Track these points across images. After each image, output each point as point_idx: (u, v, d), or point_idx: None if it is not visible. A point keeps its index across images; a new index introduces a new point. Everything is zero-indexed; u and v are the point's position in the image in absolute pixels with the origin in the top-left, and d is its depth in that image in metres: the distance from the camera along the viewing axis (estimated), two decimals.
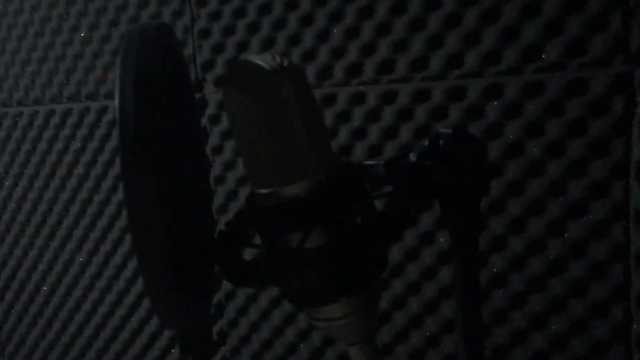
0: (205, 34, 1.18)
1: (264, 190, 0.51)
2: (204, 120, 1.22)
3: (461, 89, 0.96)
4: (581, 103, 0.88)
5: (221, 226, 0.56)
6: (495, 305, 0.97)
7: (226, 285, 1.25)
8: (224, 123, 1.20)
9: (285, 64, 0.48)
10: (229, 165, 1.20)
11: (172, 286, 0.42)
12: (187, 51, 1.21)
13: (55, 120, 1.41)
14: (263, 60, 0.48)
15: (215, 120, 1.21)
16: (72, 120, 1.39)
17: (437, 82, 0.98)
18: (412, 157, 0.54)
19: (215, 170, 1.21)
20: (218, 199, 1.21)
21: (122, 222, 1.37)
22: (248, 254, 0.54)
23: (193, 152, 0.57)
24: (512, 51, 0.92)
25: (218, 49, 1.18)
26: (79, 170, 1.40)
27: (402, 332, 1.06)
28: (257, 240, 0.56)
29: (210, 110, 1.21)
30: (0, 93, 1.50)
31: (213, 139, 1.21)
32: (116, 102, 0.43)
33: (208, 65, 1.19)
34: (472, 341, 0.60)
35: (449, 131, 0.54)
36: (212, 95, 1.20)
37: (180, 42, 0.53)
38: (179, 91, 0.55)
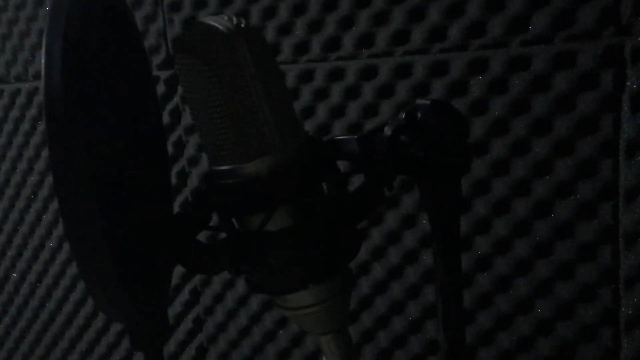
0: (176, 7, 1.13)
1: (222, 168, 0.46)
2: (176, 99, 1.17)
3: (444, 64, 0.91)
4: (569, 77, 0.84)
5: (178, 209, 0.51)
6: (479, 290, 0.94)
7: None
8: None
9: (242, 24, 0.43)
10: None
11: (113, 278, 0.37)
12: (157, 25, 1.15)
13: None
14: (217, 22, 0.43)
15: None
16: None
17: (419, 56, 0.93)
18: (387, 131, 0.50)
19: (189, 150, 1.16)
20: (192, 181, 1.15)
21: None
22: (205, 237, 0.50)
23: (146, 132, 0.52)
24: (497, 23, 0.87)
25: (190, 22, 1.12)
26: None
27: (383, 318, 1.02)
28: (217, 222, 0.51)
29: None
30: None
31: (187, 119, 1.16)
32: (42, 72, 0.38)
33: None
34: (454, 326, 0.56)
35: (427, 102, 0.49)
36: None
37: (128, 6, 0.47)
38: (128, 62, 0.50)
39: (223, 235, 0.48)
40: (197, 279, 1.20)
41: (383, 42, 0.96)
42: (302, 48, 1.03)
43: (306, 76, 1.03)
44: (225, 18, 0.43)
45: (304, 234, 0.46)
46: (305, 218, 0.47)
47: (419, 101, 0.51)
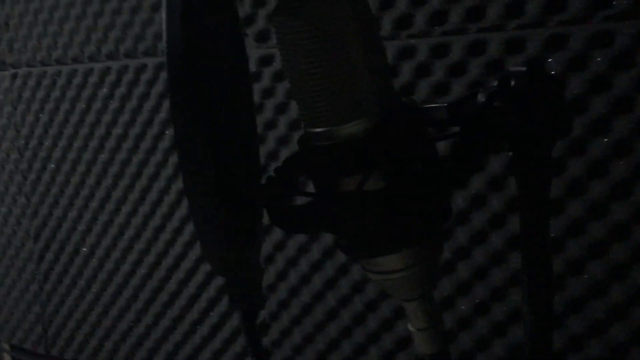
0: None
1: (317, 130, 0.47)
2: None
3: (521, 40, 0.89)
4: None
5: (270, 172, 0.52)
6: (569, 294, 0.90)
7: (264, 250, 1.22)
8: (264, 82, 1.16)
9: None
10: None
11: (223, 230, 0.39)
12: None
13: (93, 78, 1.39)
14: None
15: (256, 77, 1.17)
16: (110, 78, 1.36)
17: (495, 33, 0.91)
18: (481, 97, 0.49)
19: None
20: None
21: (160, 183, 1.34)
22: (299, 201, 0.50)
23: (242, 97, 0.53)
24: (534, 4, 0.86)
25: (259, 1, 1.13)
26: (117, 130, 1.38)
27: (465, 285, 0.99)
28: (309, 188, 0.52)
29: (250, 67, 1.16)
30: (39, 52, 1.48)
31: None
32: (164, 35, 0.39)
33: (249, 20, 1.15)
34: (540, 306, 0.55)
35: (523, 69, 0.49)
36: (253, 51, 1.16)
37: None
38: (229, 29, 0.51)
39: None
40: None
41: (456, 20, 0.94)
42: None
43: None
44: None
45: (397, 197, 0.46)
46: (399, 181, 0.47)
47: (513, 68, 0.50)
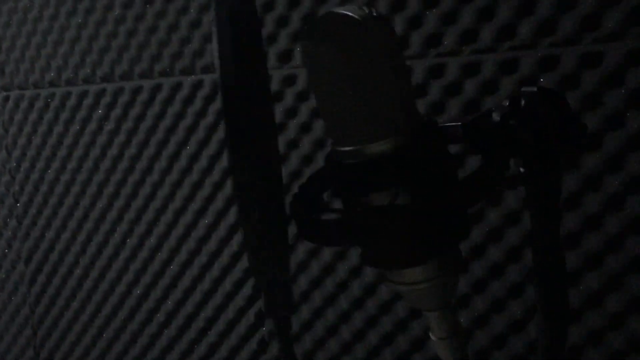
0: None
1: (346, 148, 0.49)
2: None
3: (554, 58, 0.91)
4: None
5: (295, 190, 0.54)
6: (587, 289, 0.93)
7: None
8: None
9: (374, 13, 0.46)
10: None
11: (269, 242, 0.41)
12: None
13: (88, 100, 1.40)
14: (350, 11, 0.46)
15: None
16: (105, 100, 1.38)
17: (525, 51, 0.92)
18: (495, 117, 0.52)
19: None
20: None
21: (157, 203, 1.35)
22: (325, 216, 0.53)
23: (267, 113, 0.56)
24: (568, 22, 0.89)
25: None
26: (112, 151, 1.39)
27: (480, 282, 1.01)
28: (333, 204, 0.54)
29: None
30: (31, 75, 1.49)
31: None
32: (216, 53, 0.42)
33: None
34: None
35: (534, 89, 0.52)
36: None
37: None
38: (257, 50, 0.54)
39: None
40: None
41: (488, 38, 0.95)
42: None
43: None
44: (357, 7, 0.46)
45: (423, 212, 0.49)
46: (424, 197, 0.49)
47: (525, 88, 0.53)
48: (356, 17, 0.46)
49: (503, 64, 0.94)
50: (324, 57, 0.47)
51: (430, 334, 0.56)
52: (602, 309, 0.92)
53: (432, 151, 0.50)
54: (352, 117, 0.48)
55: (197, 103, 1.26)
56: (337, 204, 0.53)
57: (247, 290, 1.26)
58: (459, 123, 0.53)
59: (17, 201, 1.58)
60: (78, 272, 1.50)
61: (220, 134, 1.25)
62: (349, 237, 0.51)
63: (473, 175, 0.50)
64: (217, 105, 1.24)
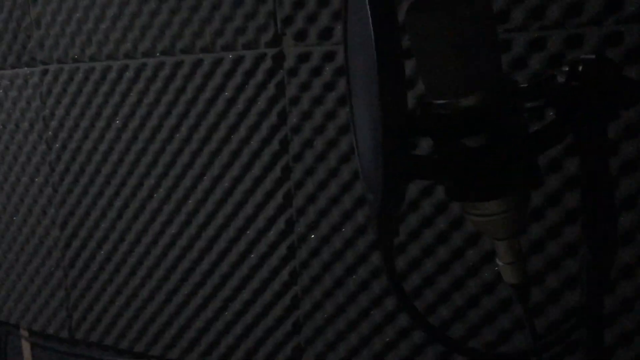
0: None
1: (441, 101, 0.60)
2: (283, 74, 1.30)
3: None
4: None
5: None
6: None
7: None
8: (301, 77, 1.28)
9: None
10: (306, 116, 1.28)
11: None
12: (268, 7, 1.29)
13: (129, 74, 1.48)
14: None
15: (293, 72, 1.28)
16: (146, 74, 1.46)
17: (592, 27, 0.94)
18: (560, 78, 0.64)
19: (293, 120, 1.29)
20: (294, 147, 1.29)
21: (195, 171, 1.45)
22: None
23: None
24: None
25: (298, 4, 1.25)
26: (152, 122, 1.48)
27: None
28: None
29: (288, 63, 1.28)
30: (71, 49, 1.56)
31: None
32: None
33: (288, 21, 1.27)
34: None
35: (593, 57, 0.63)
36: (290, 49, 1.28)
37: None
38: None
39: None
40: (296, 261, 1.34)
41: (554, 14, 0.98)
42: None
43: None
44: None
45: (501, 153, 0.60)
46: (503, 142, 0.60)
47: (584, 56, 0.64)
48: None
49: (532, 42, 1.04)
50: (432, 25, 0.58)
51: (497, 260, 0.68)
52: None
53: (511, 105, 0.61)
54: (449, 74, 0.59)
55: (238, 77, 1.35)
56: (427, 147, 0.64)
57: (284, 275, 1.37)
58: (532, 83, 0.65)
59: (53, 169, 1.66)
60: (114, 236, 1.59)
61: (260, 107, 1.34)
62: (441, 173, 0.62)
63: (543, 127, 0.61)
64: (257, 79, 1.33)
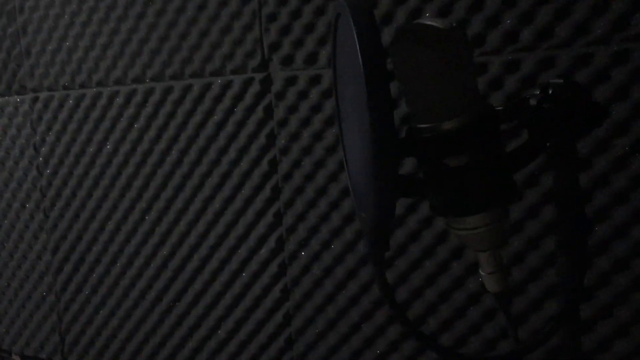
0: (272, 17, 1.31)
1: (424, 125, 0.65)
2: (270, 97, 1.35)
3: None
4: None
5: None
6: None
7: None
8: (288, 100, 1.33)
9: (454, 24, 0.62)
10: (294, 137, 1.33)
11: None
12: (255, 34, 1.34)
13: (119, 100, 1.52)
14: (437, 23, 0.62)
15: (281, 96, 1.33)
16: (136, 100, 1.50)
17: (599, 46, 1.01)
18: (532, 101, 0.69)
19: (281, 141, 1.34)
20: (283, 168, 1.34)
21: (185, 194, 1.48)
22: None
23: None
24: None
25: (284, 31, 1.31)
26: (143, 146, 1.51)
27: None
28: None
29: (275, 87, 1.33)
30: (61, 77, 1.60)
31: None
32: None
33: (274, 46, 1.32)
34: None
35: (561, 81, 0.69)
36: (277, 73, 1.33)
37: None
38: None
39: None
40: (285, 253, 1.38)
41: (563, 33, 1.04)
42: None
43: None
44: (440, 20, 0.62)
45: (482, 172, 0.65)
46: (485, 161, 0.66)
47: (553, 80, 0.70)
48: (443, 27, 0.62)
49: (541, 62, 1.07)
50: (416, 56, 0.63)
51: (480, 271, 0.72)
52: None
53: (489, 127, 0.66)
54: (432, 101, 0.64)
55: (226, 102, 1.40)
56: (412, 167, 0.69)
57: (272, 269, 1.40)
58: (507, 105, 0.70)
59: (44, 195, 1.68)
60: (106, 259, 1.61)
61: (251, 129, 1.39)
62: (427, 190, 0.67)
63: (519, 147, 0.67)
64: (246, 103, 1.38)
